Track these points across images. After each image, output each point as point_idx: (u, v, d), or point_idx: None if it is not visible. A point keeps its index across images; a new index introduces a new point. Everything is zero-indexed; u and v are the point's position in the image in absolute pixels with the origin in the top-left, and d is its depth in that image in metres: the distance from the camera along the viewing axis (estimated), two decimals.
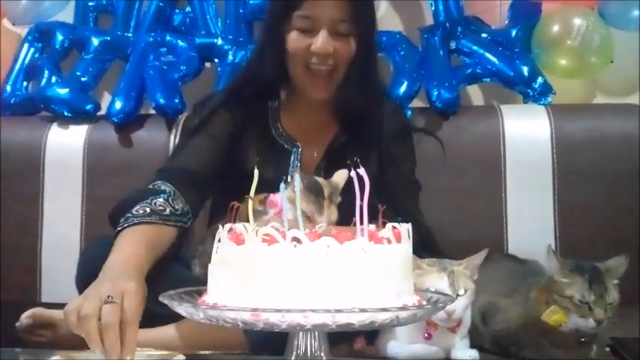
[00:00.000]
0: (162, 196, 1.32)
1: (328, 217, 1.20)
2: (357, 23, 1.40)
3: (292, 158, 1.49)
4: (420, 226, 1.35)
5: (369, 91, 1.46)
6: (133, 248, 1.19)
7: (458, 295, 1.16)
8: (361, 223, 0.87)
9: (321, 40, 1.37)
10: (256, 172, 0.92)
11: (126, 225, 1.25)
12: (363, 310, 0.81)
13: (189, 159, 1.44)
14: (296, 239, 0.83)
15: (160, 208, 1.30)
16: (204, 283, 0.93)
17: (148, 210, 1.28)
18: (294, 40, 1.40)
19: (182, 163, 1.44)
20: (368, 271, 0.84)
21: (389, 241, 0.87)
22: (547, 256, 1.27)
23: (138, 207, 1.28)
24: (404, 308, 0.84)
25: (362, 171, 0.87)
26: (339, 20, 1.38)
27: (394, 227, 0.89)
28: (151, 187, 1.37)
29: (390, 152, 1.49)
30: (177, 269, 1.35)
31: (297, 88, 1.47)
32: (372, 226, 0.90)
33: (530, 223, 1.74)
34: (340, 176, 1.26)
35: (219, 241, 0.89)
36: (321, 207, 1.21)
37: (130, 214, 1.27)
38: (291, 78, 1.46)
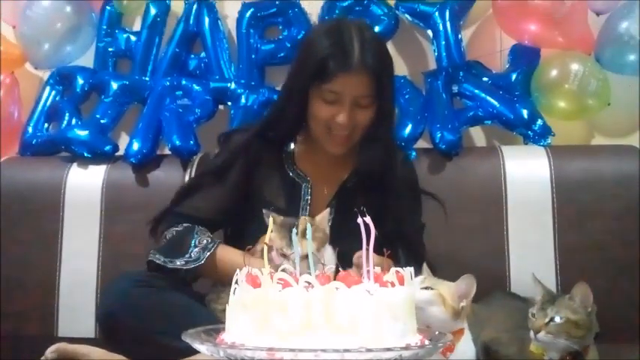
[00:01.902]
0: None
1: (301, 250, 1.24)
2: (379, 96, 1.48)
3: (303, 192, 1.57)
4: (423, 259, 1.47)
5: (383, 144, 1.54)
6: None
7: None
8: (367, 266, 0.94)
9: (344, 116, 1.45)
10: (271, 220, 0.99)
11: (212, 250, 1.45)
12: (369, 350, 0.88)
13: (201, 206, 1.56)
14: (308, 283, 0.90)
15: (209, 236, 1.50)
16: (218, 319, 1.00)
17: (209, 238, 1.48)
18: (318, 108, 1.47)
19: (194, 210, 1.56)
20: (373, 313, 0.91)
21: (393, 285, 0.94)
22: (533, 284, 1.37)
23: (200, 237, 1.48)
24: (407, 348, 0.90)
25: (368, 219, 0.94)
26: (363, 96, 1.47)
27: (397, 271, 0.95)
28: (182, 228, 1.52)
29: (398, 198, 1.56)
30: (193, 304, 1.42)
31: (314, 138, 1.56)
32: (378, 269, 0.97)
33: (532, 261, 1.77)
34: (321, 215, 1.39)
35: (236, 283, 0.96)
36: (290, 241, 1.28)
37: (201, 245, 1.46)
38: (310, 130, 1.54)
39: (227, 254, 1.46)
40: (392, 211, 1.51)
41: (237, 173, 1.56)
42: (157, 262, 1.46)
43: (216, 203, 1.56)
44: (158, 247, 1.51)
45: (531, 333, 1.30)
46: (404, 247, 1.48)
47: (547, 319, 1.29)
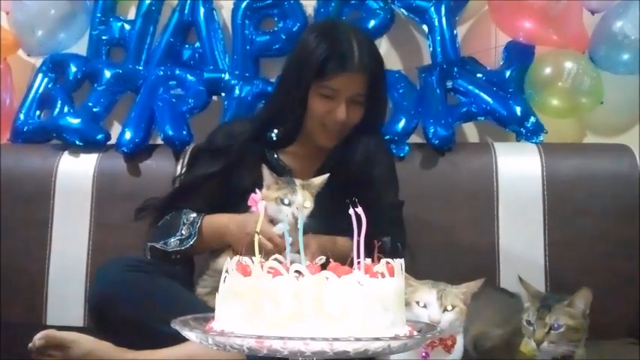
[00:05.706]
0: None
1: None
2: (372, 95, 1.55)
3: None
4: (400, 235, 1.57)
5: (369, 137, 1.61)
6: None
7: (445, 310, 1.24)
8: (358, 257, 0.95)
9: (340, 112, 1.52)
10: (261, 213, 0.99)
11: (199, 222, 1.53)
12: (357, 339, 0.88)
13: (191, 198, 1.60)
14: (298, 272, 0.90)
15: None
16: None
17: (195, 214, 1.55)
18: (316, 104, 1.53)
19: (182, 201, 1.60)
20: (363, 303, 0.91)
21: (383, 276, 0.94)
22: (519, 286, 1.37)
23: (188, 215, 1.55)
24: (395, 338, 0.90)
25: (359, 210, 0.94)
26: (358, 93, 1.53)
27: (388, 262, 0.96)
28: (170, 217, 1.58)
29: (372, 178, 1.61)
30: (183, 290, 1.44)
31: (305, 133, 1.59)
32: (368, 260, 0.98)
33: (522, 257, 1.79)
34: (319, 178, 1.49)
35: (226, 272, 0.96)
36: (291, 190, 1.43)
37: (189, 222, 1.53)
38: (303, 126, 1.57)
39: (213, 219, 1.53)
40: (367, 194, 1.52)
41: (226, 171, 1.60)
42: (157, 246, 1.51)
43: (205, 198, 1.59)
44: (152, 235, 1.54)
45: (532, 342, 1.29)
46: (383, 225, 1.49)
47: (547, 329, 1.29)
